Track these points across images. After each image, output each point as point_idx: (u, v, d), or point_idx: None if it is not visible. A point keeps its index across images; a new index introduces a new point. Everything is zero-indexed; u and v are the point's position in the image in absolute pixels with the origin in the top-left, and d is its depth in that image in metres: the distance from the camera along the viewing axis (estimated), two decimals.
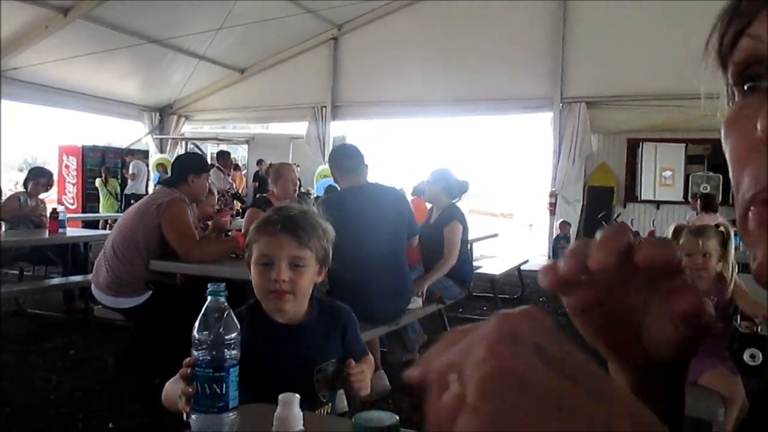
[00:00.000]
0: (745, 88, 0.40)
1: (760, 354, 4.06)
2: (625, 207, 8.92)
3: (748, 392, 2.59)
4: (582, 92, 8.67)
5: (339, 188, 3.50)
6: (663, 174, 8.80)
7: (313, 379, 1.48)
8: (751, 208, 0.37)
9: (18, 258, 5.32)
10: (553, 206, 9.49)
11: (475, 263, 5.03)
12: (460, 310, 5.82)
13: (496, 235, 7.34)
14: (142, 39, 9.07)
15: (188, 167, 3.57)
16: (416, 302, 3.67)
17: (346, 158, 3.38)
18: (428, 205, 4.79)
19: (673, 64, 7.11)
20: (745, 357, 4.08)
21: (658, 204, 8.74)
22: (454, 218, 4.14)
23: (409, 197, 8.07)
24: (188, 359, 1.07)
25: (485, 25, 8.97)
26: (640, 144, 8.81)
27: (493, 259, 6.84)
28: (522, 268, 6.71)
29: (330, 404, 1.53)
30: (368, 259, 3.13)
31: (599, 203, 9.54)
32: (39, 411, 3.18)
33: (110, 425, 3.05)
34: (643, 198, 8.88)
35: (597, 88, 8.57)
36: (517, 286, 7.04)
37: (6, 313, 5.13)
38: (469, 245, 4.60)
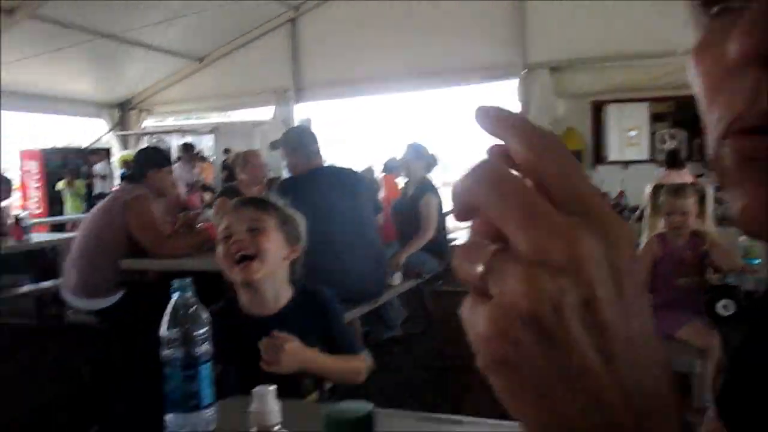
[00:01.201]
0: (714, 11, 0.35)
1: (733, 304, 4.15)
2: (594, 169, 8.99)
3: (724, 343, 2.64)
4: (544, 57, 8.67)
5: (293, 174, 3.44)
6: (629, 134, 8.88)
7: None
8: (725, 141, 0.32)
9: None
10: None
11: (451, 235, 5.03)
12: (440, 283, 5.83)
13: None
14: (93, 35, 8.82)
15: (148, 162, 3.49)
16: (395, 278, 3.66)
17: (299, 142, 3.33)
18: (400, 181, 4.81)
19: (636, 22, 7.15)
20: (718, 308, 4.17)
21: (626, 164, 8.83)
22: (428, 190, 4.17)
23: (380, 174, 8.06)
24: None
25: None
26: (605, 106, 8.87)
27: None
28: None
29: (317, 392, 1.50)
30: (339, 241, 3.10)
31: None
32: (22, 419, 3.11)
33: (96, 429, 3.01)
34: (610, 159, 8.96)
35: (559, 53, 8.57)
36: None
37: None
38: (445, 218, 4.62)
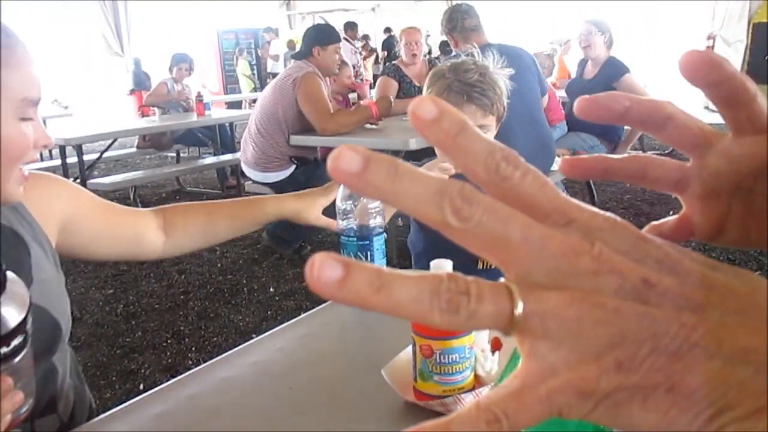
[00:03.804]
0: None
1: None
2: None
3: None
4: None
5: (455, 51, 3.32)
6: None
7: None
8: None
9: (174, 141, 5.71)
10: (710, 50, 8.49)
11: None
12: None
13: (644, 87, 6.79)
14: None
15: (313, 39, 3.54)
16: (557, 163, 3.52)
17: (464, 18, 3.19)
18: (567, 60, 4.49)
19: None
20: None
21: None
22: (624, 71, 3.95)
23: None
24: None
25: None
26: None
27: None
28: None
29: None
30: (505, 124, 3.00)
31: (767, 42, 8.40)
32: (210, 277, 3.52)
33: (271, 289, 3.32)
34: None
35: None
36: None
37: (170, 193, 5.63)
38: None
